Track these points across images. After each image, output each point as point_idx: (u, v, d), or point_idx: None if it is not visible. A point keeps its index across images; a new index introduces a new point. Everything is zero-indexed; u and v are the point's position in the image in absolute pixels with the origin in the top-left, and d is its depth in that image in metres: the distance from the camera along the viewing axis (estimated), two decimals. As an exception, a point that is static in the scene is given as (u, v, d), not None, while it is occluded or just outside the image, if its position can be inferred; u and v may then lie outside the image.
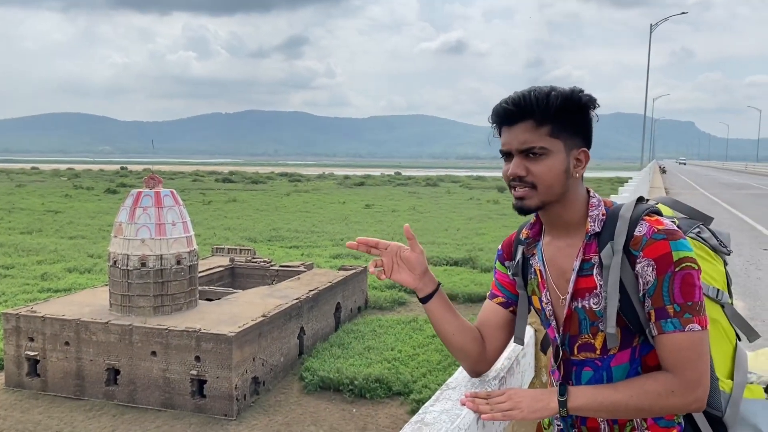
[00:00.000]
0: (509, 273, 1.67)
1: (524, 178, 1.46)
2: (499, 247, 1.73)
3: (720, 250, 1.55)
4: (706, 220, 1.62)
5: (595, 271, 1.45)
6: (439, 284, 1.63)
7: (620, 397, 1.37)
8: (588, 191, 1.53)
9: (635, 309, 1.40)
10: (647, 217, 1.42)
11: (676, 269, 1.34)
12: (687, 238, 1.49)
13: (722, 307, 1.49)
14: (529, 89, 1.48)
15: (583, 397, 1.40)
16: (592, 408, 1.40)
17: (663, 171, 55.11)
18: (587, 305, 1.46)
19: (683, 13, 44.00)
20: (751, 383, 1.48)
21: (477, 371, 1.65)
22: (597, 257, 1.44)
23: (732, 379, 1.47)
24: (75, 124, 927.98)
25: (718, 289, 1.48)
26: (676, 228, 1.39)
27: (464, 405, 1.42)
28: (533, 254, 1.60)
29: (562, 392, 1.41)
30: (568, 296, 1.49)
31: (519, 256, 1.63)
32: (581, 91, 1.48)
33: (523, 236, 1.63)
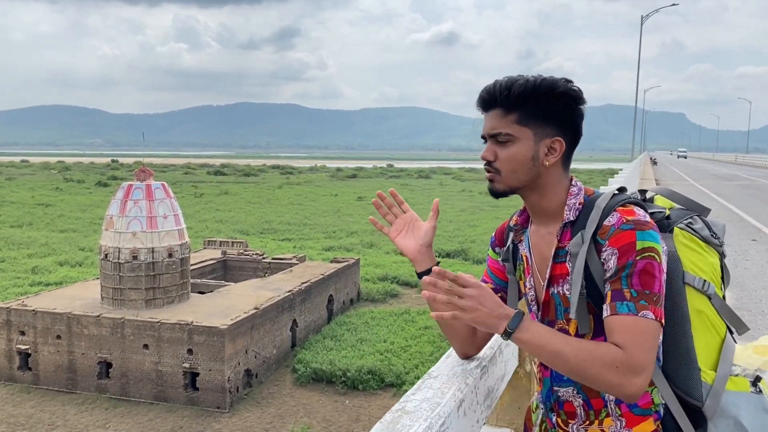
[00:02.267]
0: (500, 259, 1.70)
1: (492, 163, 1.51)
2: (493, 234, 1.77)
3: (711, 241, 1.53)
4: (703, 211, 1.60)
5: (568, 258, 1.47)
6: (438, 263, 1.67)
7: (567, 350, 1.33)
8: (571, 180, 1.54)
9: (603, 297, 1.41)
10: (621, 208, 1.42)
11: (638, 257, 1.35)
12: (678, 228, 1.51)
13: (709, 298, 1.48)
14: (508, 77, 1.51)
15: (532, 333, 1.36)
16: (534, 345, 1.36)
17: (654, 162, 55.32)
18: (561, 291, 1.50)
19: (674, 4, 43.21)
20: (736, 375, 1.47)
21: (465, 353, 1.70)
22: None
23: (716, 371, 1.46)
24: (65, 117, 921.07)
25: (705, 280, 1.47)
26: (647, 220, 1.40)
27: (425, 297, 1.40)
28: (521, 240, 1.64)
29: (516, 319, 1.36)
30: (545, 282, 1.53)
31: (509, 242, 1.67)
32: (567, 81, 1.49)
33: (512, 222, 1.67)
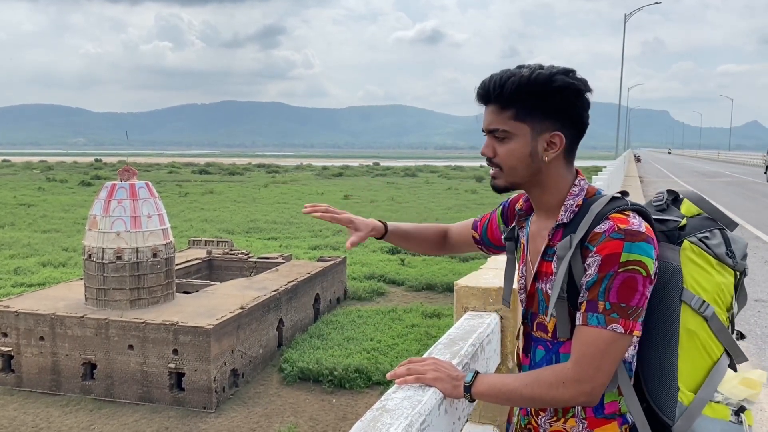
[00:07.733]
0: (501, 229, 1.75)
1: (492, 159, 1.49)
2: (508, 200, 1.78)
3: (724, 260, 1.44)
4: (730, 225, 1.51)
5: (555, 259, 1.45)
6: (386, 226, 1.86)
7: (517, 385, 1.38)
8: (576, 176, 1.51)
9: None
10: (615, 215, 1.37)
11: (620, 270, 1.31)
12: (688, 242, 1.44)
13: (705, 320, 1.41)
14: (503, 71, 1.46)
15: (486, 383, 1.41)
16: (492, 394, 1.42)
17: (638, 160, 55.75)
18: (545, 288, 1.49)
19: (656, 2, 43.38)
20: (717, 402, 1.42)
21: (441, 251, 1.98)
22: None
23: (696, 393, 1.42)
24: (47, 116, 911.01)
25: (703, 301, 1.40)
26: (640, 230, 1.34)
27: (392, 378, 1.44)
28: (522, 227, 1.63)
29: (471, 374, 1.42)
30: (532, 276, 1.54)
31: (514, 223, 1.67)
32: (567, 72, 1.43)
33: (518, 207, 1.66)
